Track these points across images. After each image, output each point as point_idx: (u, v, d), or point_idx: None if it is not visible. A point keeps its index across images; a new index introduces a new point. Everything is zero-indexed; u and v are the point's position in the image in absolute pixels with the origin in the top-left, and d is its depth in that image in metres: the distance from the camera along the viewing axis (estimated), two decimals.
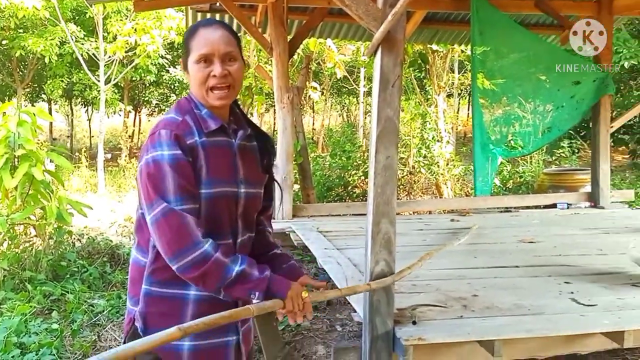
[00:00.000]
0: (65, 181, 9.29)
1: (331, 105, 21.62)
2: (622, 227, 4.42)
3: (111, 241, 5.83)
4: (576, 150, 10.54)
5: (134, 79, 14.96)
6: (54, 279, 4.74)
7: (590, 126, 5.79)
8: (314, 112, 22.09)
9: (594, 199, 5.50)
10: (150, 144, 1.50)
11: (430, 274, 3.03)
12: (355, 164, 8.91)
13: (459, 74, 12.89)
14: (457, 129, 15.08)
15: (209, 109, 1.57)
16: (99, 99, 12.24)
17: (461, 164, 9.22)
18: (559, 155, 10.00)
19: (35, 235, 5.22)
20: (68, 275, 4.81)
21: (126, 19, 11.68)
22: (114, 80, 12.28)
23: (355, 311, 2.57)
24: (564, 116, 5.48)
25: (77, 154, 13.29)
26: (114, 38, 11.40)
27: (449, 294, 2.65)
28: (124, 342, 1.64)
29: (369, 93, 13.44)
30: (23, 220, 4.99)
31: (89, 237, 5.82)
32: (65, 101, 18.89)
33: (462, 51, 9.17)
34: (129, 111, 18.34)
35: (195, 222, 1.47)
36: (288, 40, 4.97)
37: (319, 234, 4.17)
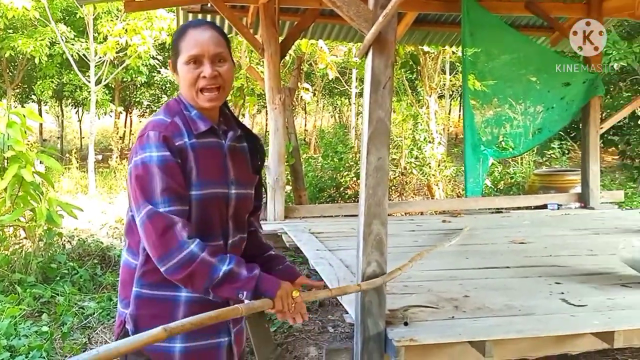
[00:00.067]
0: (56, 183, 9.22)
1: (323, 106, 21.64)
2: (612, 227, 4.46)
3: (102, 243, 5.79)
4: (566, 151, 10.60)
5: (124, 79, 14.90)
6: (44, 281, 4.70)
7: (580, 127, 5.84)
8: (306, 113, 22.09)
9: (584, 200, 5.54)
10: (138, 145, 1.50)
11: (422, 275, 3.04)
12: (347, 165, 8.92)
13: (450, 75, 12.94)
14: (448, 130, 15.14)
15: (199, 110, 1.57)
16: (90, 99, 12.15)
17: (453, 165, 9.25)
18: (549, 156, 10.06)
19: (25, 237, 5.18)
20: (58, 278, 4.78)
21: (117, 19, 11.62)
22: (105, 81, 12.21)
23: (347, 312, 2.57)
24: (554, 117, 5.52)
25: (67, 155, 13.20)
26: (105, 39, 11.34)
27: (441, 295, 2.66)
28: None
29: (360, 94, 13.46)
30: (12, 222, 4.95)
31: (79, 239, 5.78)
32: (56, 102, 18.77)
33: (453, 52, 9.21)
34: (120, 112, 18.25)
35: (182, 223, 1.45)
36: (280, 41, 4.97)
37: (311, 235, 4.16)
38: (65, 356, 3.52)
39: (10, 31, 12.69)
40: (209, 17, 5.63)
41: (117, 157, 13.23)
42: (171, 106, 1.59)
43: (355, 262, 2.27)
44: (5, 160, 4.89)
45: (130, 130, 20.43)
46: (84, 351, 3.58)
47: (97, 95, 12.47)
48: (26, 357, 3.37)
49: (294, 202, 5.81)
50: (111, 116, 17.83)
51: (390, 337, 2.15)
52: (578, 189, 5.81)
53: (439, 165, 8.68)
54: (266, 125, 16.98)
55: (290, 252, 4.44)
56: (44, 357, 3.40)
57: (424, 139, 8.83)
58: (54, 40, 12.09)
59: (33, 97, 17.50)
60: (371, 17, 2.06)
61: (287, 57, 9.22)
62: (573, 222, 4.81)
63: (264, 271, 1.71)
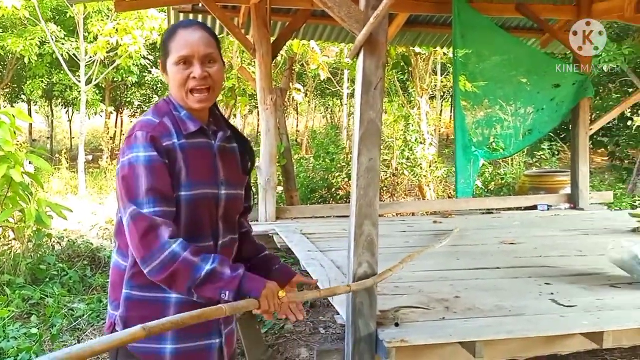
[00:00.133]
0: (45, 183, 9.16)
1: (315, 107, 21.64)
2: (601, 228, 4.49)
3: (92, 244, 5.76)
4: (556, 153, 10.67)
5: (115, 79, 14.81)
6: (33, 283, 4.66)
7: (570, 129, 5.88)
8: (297, 113, 22.08)
9: (573, 201, 5.58)
10: (126, 146, 1.50)
11: (413, 276, 3.04)
12: (339, 166, 8.93)
13: (441, 76, 12.98)
14: (440, 131, 15.19)
15: (189, 111, 1.56)
16: (80, 99, 12.08)
17: (444, 166, 9.28)
18: (539, 157, 10.12)
19: (14, 239, 5.14)
20: (47, 279, 4.74)
21: (107, 19, 11.55)
22: (95, 81, 12.14)
23: (338, 314, 2.57)
24: (544, 119, 5.55)
25: (57, 155, 13.10)
26: (95, 38, 11.27)
27: (432, 296, 2.67)
28: None
29: (352, 95, 13.47)
30: (1, 223, 4.90)
31: (69, 240, 5.74)
32: (46, 102, 18.63)
33: (445, 54, 9.25)
34: (111, 112, 18.14)
35: (166, 224, 1.44)
36: (271, 41, 4.96)
37: (302, 236, 4.16)
38: None
39: (0, 30, 12.59)
40: (200, 18, 5.61)
41: (107, 158, 13.16)
42: (160, 107, 1.58)
43: (346, 263, 2.27)
44: None
45: (121, 131, 20.30)
46: None
47: (88, 95, 12.40)
48: None
49: (286, 203, 5.81)
50: (102, 116, 17.74)
51: (381, 338, 2.15)
52: (568, 190, 5.85)
53: (430, 166, 8.71)
54: (258, 125, 16.95)
55: (281, 253, 4.44)
56: None
57: (416, 140, 8.85)
58: (44, 39, 12.01)
59: (23, 97, 17.35)
60: (362, 18, 2.06)
61: (278, 58, 9.23)
62: (563, 223, 4.84)
63: (261, 272, 1.72)
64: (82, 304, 4.34)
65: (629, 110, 11.54)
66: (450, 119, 18.03)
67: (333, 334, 3.86)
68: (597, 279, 2.97)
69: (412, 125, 9.08)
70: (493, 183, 8.94)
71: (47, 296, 4.40)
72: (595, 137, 10.90)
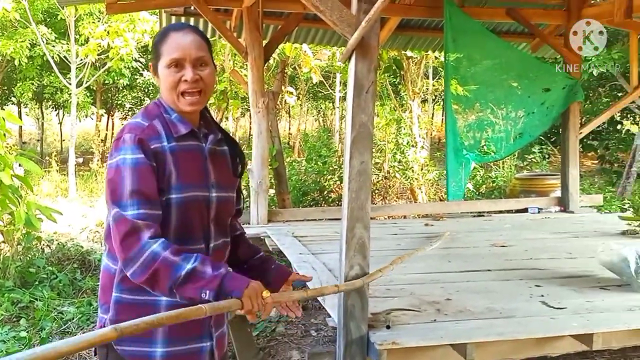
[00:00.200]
0: (35, 186, 9.10)
1: (307, 110, 21.66)
2: (591, 231, 4.52)
3: (82, 247, 5.72)
4: (547, 156, 10.75)
5: (106, 82, 14.74)
6: (23, 286, 4.62)
7: (560, 132, 5.92)
8: (290, 116, 22.08)
9: (563, 204, 5.61)
10: (114, 148, 1.50)
11: (404, 279, 3.05)
12: (331, 168, 8.92)
13: (433, 80, 13.04)
14: (431, 135, 15.25)
15: (179, 114, 1.56)
16: (70, 102, 12.02)
17: (435, 169, 9.32)
18: (530, 160, 10.18)
19: (3, 241, 5.10)
20: (37, 282, 4.70)
21: (99, 21, 11.51)
22: (86, 83, 12.08)
23: (329, 316, 2.57)
24: (534, 122, 5.59)
25: (47, 158, 13.02)
26: (86, 41, 11.22)
27: (423, 298, 2.67)
28: (95, 351, 1.62)
29: (344, 98, 13.51)
30: None
31: (58, 243, 5.70)
32: (36, 104, 18.49)
33: (436, 58, 9.30)
34: (102, 115, 18.04)
35: (147, 226, 1.42)
36: (263, 45, 4.96)
37: (294, 239, 4.16)
38: None
39: None
40: (192, 20, 5.61)
41: (98, 160, 13.10)
42: (150, 110, 1.58)
43: (338, 265, 2.27)
44: None
45: (112, 133, 20.18)
46: (63, 357, 3.53)
47: (78, 98, 12.33)
48: None
49: (278, 206, 5.80)
50: (92, 119, 17.62)
51: (372, 340, 2.16)
52: (558, 193, 5.89)
53: (421, 169, 8.74)
54: (250, 128, 16.94)
55: (273, 255, 4.43)
56: None
57: (407, 143, 8.88)
58: (34, 42, 11.93)
59: (12, 99, 17.23)
60: (354, 22, 2.07)
61: (271, 61, 9.23)
62: (553, 225, 4.87)
63: (258, 273, 1.72)
64: (72, 307, 4.31)
65: (619, 114, 11.67)
66: (442, 122, 18.11)
67: (324, 337, 3.86)
68: (586, 281, 2.99)
69: (404, 129, 9.11)
70: (484, 186, 8.98)
71: (36, 299, 4.36)
72: (585, 140, 11.01)
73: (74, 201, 10.15)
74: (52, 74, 12.80)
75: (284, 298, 1.62)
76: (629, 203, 7.38)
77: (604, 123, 10.24)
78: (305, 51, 9.14)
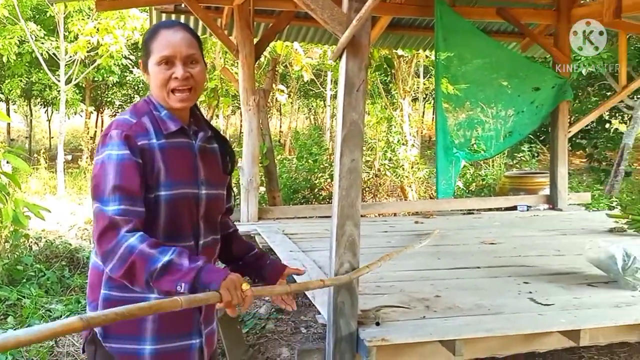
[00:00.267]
0: (23, 183, 9.02)
1: (298, 107, 21.62)
2: (578, 228, 4.57)
3: (70, 245, 5.68)
4: (536, 154, 10.82)
5: (96, 79, 14.64)
6: (10, 284, 4.58)
7: (549, 131, 5.96)
8: (281, 114, 22.05)
9: (552, 202, 5.66)
10: (101, 144, 1.50)
11: (394, 276, 3.07)
12: (321, 166, 8.93)
13: (424, 78, 13.07)
14: (422, 133, 15.28)
15: (169, 111, 1.56)
16: (59, 99, 11.93)
17: (426, 167, 9.35)
18: (519, 158, 10.25)
19: None
20: (24, 280, 4.66)
21: (88, 18, 11.42)
22: (75, 80, 11.99)
23: (319, 313, 2.58)
24: (524, 121, 5.62)
25: (35, 155, 12.91)
26: (76, 37, 11.14)
27: (412, 295, 2.69)
28: (83, 348, 1.61)
29: (335, 96, 13.50)
30: None
31: (47, 241, 5.66)
32: (24, 101, 18.34)
33: (427, 56, 9.32)
34: (91, 112, 17.93)
35: (126, 221, 1.41)
36: (254, 42, 4.95)
37: (284, 237, 4.16)
38: (32, 359, 3.44)
39: None
40: (182, 18, 5.59)
41: (87, 158, 13.01)
42: (139, 107, 1.58)
43: (328, 263, 2.28)
44: None
45: (102, 131, 20.01)
46: (51, 354, 3.51)
47: (67, 95, 12.25)
48: None
49: (268, 203, 5.80)
50: (81, 116, 17.49)
51: (362, 337, 2.17)
52: (547, 191, 5.93)
53: (412, 167, 8.77)
54: (240, 126, 16.90)
55: None
56: None
57: (398, 142, 8.90)
58: (23, 38, 11.83)
59: (1, 96, 17.05)
60: (345, 20, 2.08)
61: (262, 59, 9.21)
62: (541, 223, 4.91)
63: (253, 270, 1.73)
64: (60, 304, 4.28)
65: (607, 113, 11.76)
66: (433, 120, 18.13)
67: (314, 334, 3.86)
68: (574, 278, 3.02)
69: (395, 127, 9.13)
70: (474, 184, 9.03)
71: (24, 297, 4.33)
72: (573, 139, 11.09)
73: (62, 199, 10.08)
74: (41, 71, 12.70)
75: (265, 292, 1.60)
76: (616, 201, 7.46)
77: (592, 122, 10.31)
78: (296, 49, 9.12)
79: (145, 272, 1.37)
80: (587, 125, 9.51)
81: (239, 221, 4.78)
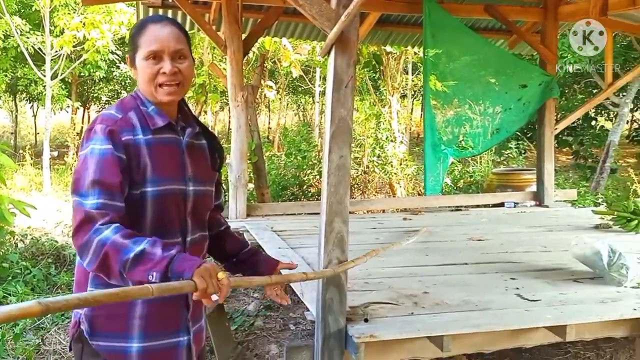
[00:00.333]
0: (9, 180, 8.92)
1: (287, 104, 21.60)
2: (565, 225, 4.61)
3: (56, 242, 5.62)
4: (523, 151, 10.91)
5: (82, 74, 14.50)
6: None
7: (536, 128, 6.01)
8: (269, 111, 22.00)
9: (539, 198, 5.71)
10: (85, 139, 1.49)
11: (382, 272, 3.07)
12: (310, 163, 8.93)
13: (412, 75, 13.11)
14: (410, 130, 15.33)
15: (157, 106, 1.55)
16: (45, 94, 11.80)
17: (414, 163, 9.39)
18: (506, 155, 10.33)
19: None
20: (10, 277, 4.61)
21: (74, 12, 11.29)
22: (61, 75, 11.86)
23: (308, 310, 2.58)
24: (511, 118, 5.66)
25: (21, 151, 12.78)
26: (62, 32, 11.01)
27: (401, 292, 2.70)
28: (70, 346, 1.60)
29: (324, 93, 13.49)
30: None
31: (32, 238, 5.61)
32: (9, 96, 18.10)
33: (416, 53, 9.34)
34: (77, 108, 17.74)
35: (102, 215, 1.39)
36: (242, 38, 4.93)
37: (273, 233, 4.16)
38: (18, 358, 3.41)
39: None
40: (170, 13, 5.54)
41: (73, 154, 12.89)
42: (126, 102, 1.57)
43: (317, 259, 2.28)
44: None
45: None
46: (37, 352, 3.48)
47: (53, 90, 12.10)
48: None
49: (257, 200, 5.79)
50: (68, 112, 17.31)
51: (350, 333, 2.17)
52: (534, 188, 5.98)
53: (400, 164, 8.79)
54: (229, 122, 16.82)
55: None
56: None
57: (386, 138, 8.93)
58: (8, 33, 11.67)
59: None
60: (333, 16, 2.07)
61: (250, 55, 9.17)
62: (528, 219, 4.95)
63: (248, 266, 1.73)
64: None
65: (593, 111, 11.90)
66: (421, 117, 18.21)
67: (303, 330, 3.87)
68: (560, 274, 3.05)
69: (383, 124, 9.15)
70: (462, 181, 9.08)
71: (9, 294, 4.28)
72: (560, 136, 11.21)
73: (48, 195, 9.98)
74: (26, 66, 12.54)
75: (243, 282, 1.59)
76: (602, 198, 7.54)
77: (578, 119, 10.41)
78: (285, 45, 9.09)
79: (118, 263, 1.33)
80: (573, 123, 9.61)
81: (227, 218, 4.76)
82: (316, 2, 2.07)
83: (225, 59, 5.05)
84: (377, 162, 8.81)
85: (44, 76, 11.45)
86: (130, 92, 1.62)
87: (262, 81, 9.13)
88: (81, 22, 10.56)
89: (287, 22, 6.18)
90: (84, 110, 19.88)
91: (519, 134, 10.28)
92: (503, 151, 10.48)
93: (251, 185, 6.15)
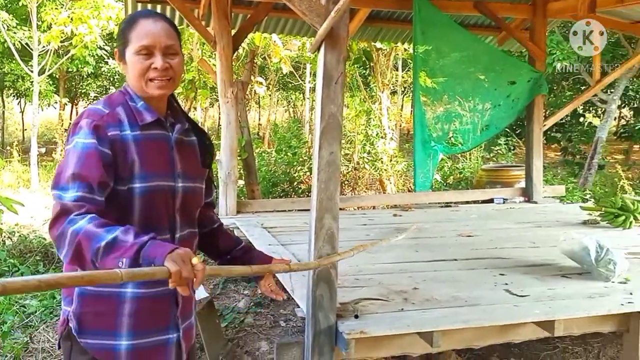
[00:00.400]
0: None
1: (277, 100, 21.55)
2: (553, 220, 4.64)
3: (44, 239, 5.57)
4: (512, 148, 10.96)
5: (70, 70, 14.36)
6: None
7: (525, 124, 6.04)
8: (260, 107, 21.93)
9: (527, 194, 5.75)
10: (70, 133, 1.48)
11: (373, 269, 3.08)
12: (300, 159, 8.91)
13: (402, 72, 13.12)
14: (400, 126, 15.37)
15: (146, 102, 1.53)
16: (32, 90, 11.68)
17: (404, 160, 9.40)
18: (496, 152, 10.38)
19: None
20: None
21: (62, 7, 11.17)
22: (49, 71, 11.75)
23: (299, 307, 2.58)
24: (500, 114, 5.69)
25: (8, 148, 12.65)
26: (49, 27, 10.89)
27: (391, 288, 2.70)
28: (59, 344, 1.59)
29: (314, 89, 13.47)
30: None
31: (20, 235, 5.55)
32: None
33: (406, 50, 9.35)
34: (65, 103, 17.59)
35: (78, 207, 1.36)
36: (232, 34, 4.90)
37: (263, 230, 4.15)
38: (6, 356, 3.38)
39: None
40: (159, 8, 5.49)
41: (61, 150, 12.76)
42: (114, 97, 1.55)
43: (307, 256, 2.28)
44: None
45: None
46: (25, 350, 3.45)
47: (41, 86, 11.99)
48: None
49: (247, 197, 5.77)
50: (55, 107, 17.16)
51: (340, 330, 2.17)
52: (522, 184, 6.02)
53: (390, 160, 8.80)
54: (219, 118, 16.75)
55: None
56: None
57: (377, 135, 8.93)
58: None
59: None
60: (323, 12, 2.06)
61: (240, 51, 9.12)
62: (517, 215, 4.99)
63: (242, 264, 1.73)
64: (35, 300, 4.21)
65: (581, 107, 11.99)
66: (411, 114, 18.24)
67: (293, 327, 3.87)
68: (549, 269, 3.08)
69: (374, 120, 9.15)
70: (451, 177, 9.11)
71: None
72: (548, 132, 11.29)
73: (36, 192, 9.89)
74: (13, 61, 12.40)
75: (222, 271, 1.57)
76: (590, 194, 7.61)
77: (567, 116, 10.49)
78: (275, 41, 9.07)
79: (90, 252, 1.29)
80: (561, 119, 9.66)
81: (217, 215, 4.74)
82: None
83: (215, 54, 5.02)
84: (367, 159, 8.81)
85: (32, 72, 11.33)
86: (119, 88, 1.60)
87: (252, 77, 9.10)
88: (69, 17, 10.46)
89: (277, 17, 6.16)
90: (72, 107, 19.72)
91: (508, 130, 10.35)
92: (492, 147, 10.53)
93: (241, 182, 6.13)
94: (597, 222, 4.41)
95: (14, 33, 11.47)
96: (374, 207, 6.23)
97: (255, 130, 17.92)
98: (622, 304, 2.48)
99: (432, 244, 3.79)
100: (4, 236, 5.35)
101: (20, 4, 11.98)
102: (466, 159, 9.66)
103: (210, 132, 16.52)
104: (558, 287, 2.73)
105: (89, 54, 12.31)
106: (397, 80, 12.39)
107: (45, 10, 10.97)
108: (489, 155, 10.43)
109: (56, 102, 16.08)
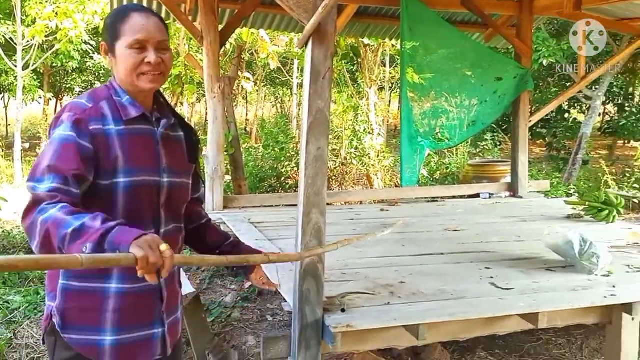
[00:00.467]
0: None
1: (265, 96, 21.47)
2: (538, 215, 4.69)
3: None
4: (498, 143, 11.06)
5: (54, 65, 14.19)
6: None
7: (511, 120, 6.09)
8: (247, 102, 21.84)
9: (513, 189, 5.80)
10: (52, 127, 1.47)
11: (359, 263, 3.10)
12: (288, 155, 8.91)
13: (390, 68, 13.15)
14: (388, 122, 15.40)
15: (132, 96, 1.53)
16: (16, 85, 11.53)
17: (391, 155, 9.44)
18: (482, 147, 10.46)
19: None
20: None
21: (46, 1, 11.03)
22: (33, 66, 11.60)
23: (285, 301, 2.59)
24: (487, 110, 5.73)
25: None
26: (33, 22, 10.75)
27: (377, 282, 2.72)
28: (43, 339, 1.58)
29: (302, 84, 13.44)
30: None
31: (3, 231, 5.51)
32: None
33: (393, 46, 9.37)
34: (49, 99, 17.38)
35: (50, 197, 1.33)
36: (219, 29, 4.88)
37: (250, 225, 4.15)
38: None
39: None
40: (145, 2, 5.45)
41: (45, 146, 12.64)
42: (99, 92, 1.54)
43: (294, 251, 2.28)
44: None
45: None
46: (9, 346, 3.43)
47: (25, 81, 11.84)
48: None
49: (234, 192, 5.76)
50: (40, 103, 16.95)
51: (327, 323, 2.19)
52: (508, 179, 6.07)
53: (378, 156, 8.84)
54: (206, 114, 16.66)
55: None
56: None
57: (364, 130, 8.95)
58: None
59: None
60: (311, 8, 2.07)
61: (227, 46, 9.07)
62: (503, 210, 5.03)
63: None
64: (18, 296, 4.17)
65: (566, 104, 12.10)
66: (398, 109, 18.27)
67: (280, 321, 3.88)
68: (533, 262, 3.11)
69: (361, 116, 9.17)
70: (438, 172, 9.16)
71: None
72: (534, 128, 11.38)
73: (20, 187, 9.78)
74: None
75: (194, 260, 1.55)
76: (574, 188, 7.70)
77: (552, 112, 10.57)
78: (262, 37, 9.02)
79: (57, 239, 1.25)
80: (547, 115, 9.75)
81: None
82: None
83: (202, 50, 5.00)
84: (354, 154, 8.83)
85: (15, 67, 11.19)
86: (105, 83, 1.59)
87: (240, 73, 9.06)
88: (53, 11, 10.33)
89: (264, 13, 6.13)
90: (56, 102, 19.47)
91: (494, 126, 10.42)
92: (479, 143, 10.61)
93: (228, 177, 6.12)
94: (581, 216, 4.47)
95: None
96: (361, 202, 6.25)
97: (242, 126, 17.85)
98: (605, 297, 2.52)
99: (419, 239, 3.81)
100: None
101: None
102: (453, 155, 9.73)
103: (197, 127, 16.42)
104: (542, 280, 2.76)
105: (74, 49, 12.17)
106: (384, 77, 12.40)
107: (29, 4, 10.82)
108: (476, 151, 10.51)
109: (40, 97, 15.89)
